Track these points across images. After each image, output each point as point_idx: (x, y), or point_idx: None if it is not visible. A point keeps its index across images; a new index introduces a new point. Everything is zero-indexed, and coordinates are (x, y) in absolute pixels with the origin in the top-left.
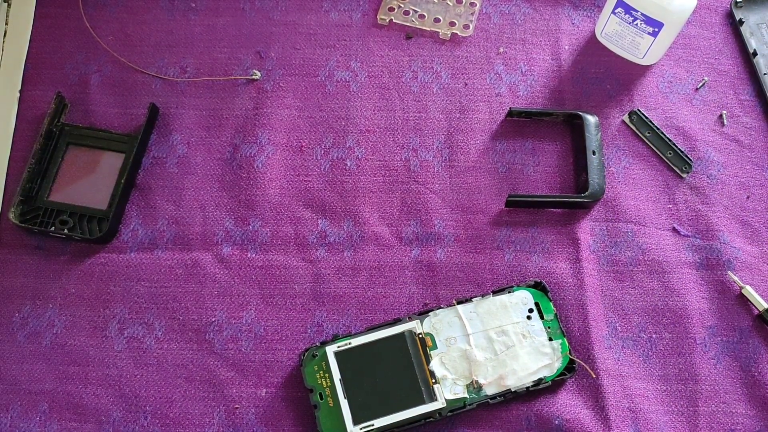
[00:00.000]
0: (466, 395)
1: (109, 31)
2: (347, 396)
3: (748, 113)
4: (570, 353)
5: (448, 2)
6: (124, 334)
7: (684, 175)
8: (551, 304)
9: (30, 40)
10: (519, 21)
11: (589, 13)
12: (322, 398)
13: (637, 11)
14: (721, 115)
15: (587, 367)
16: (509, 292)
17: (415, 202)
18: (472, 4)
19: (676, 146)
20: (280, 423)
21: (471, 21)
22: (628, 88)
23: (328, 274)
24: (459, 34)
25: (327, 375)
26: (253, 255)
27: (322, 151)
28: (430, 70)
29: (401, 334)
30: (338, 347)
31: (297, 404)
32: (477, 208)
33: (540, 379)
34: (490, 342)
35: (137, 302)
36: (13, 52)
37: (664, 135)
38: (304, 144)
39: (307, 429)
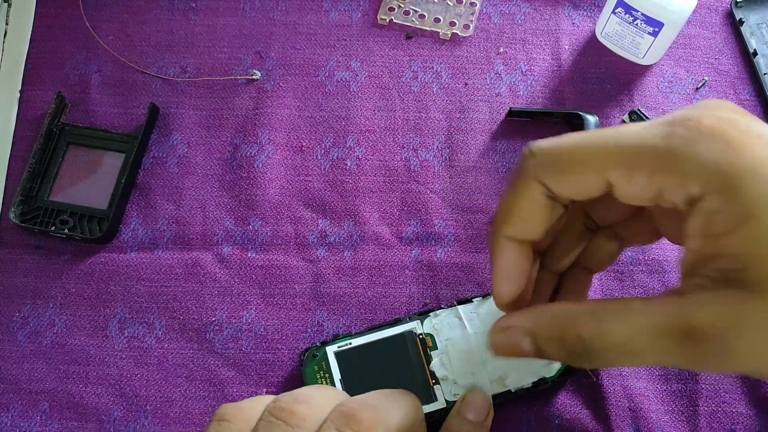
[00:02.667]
0: None
1: (109, 31)
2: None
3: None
4: None
5: (448, 2)
6: (125, 333)
7: None
8: None
9: (30, 40)
10: (519, 21)
11: (589, 13)
12: None
13: (637, 11)
14: None
15: (587, 370)
16: None
17: (416, 202)
18: (472, 4)
19: None
20: None
21: (471, 21)
22: (628, 87)
23: (329, 274)
24: (459, 34)
25: (327, 375)
26: (254, 255)
27: (322, 151)
28: (430, 70)
29: (401, 335)
30: (338, 347)
31: None
32: (477, 208)
33: (540, 380)
34: None
35: (137, 302)
36: (13, 52)
37: None
38: (304, 144)
39: None
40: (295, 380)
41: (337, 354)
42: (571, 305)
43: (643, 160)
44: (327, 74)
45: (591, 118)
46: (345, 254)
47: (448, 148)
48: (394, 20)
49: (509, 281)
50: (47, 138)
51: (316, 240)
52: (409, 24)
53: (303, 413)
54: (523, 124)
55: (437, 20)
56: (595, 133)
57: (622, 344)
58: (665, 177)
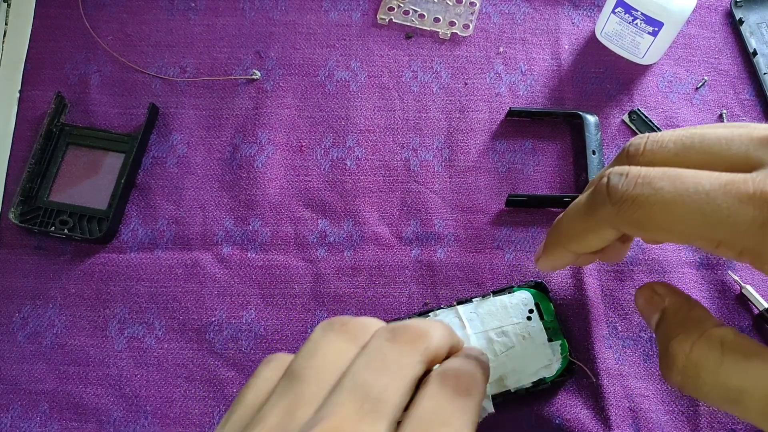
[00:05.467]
0: None
1: (109, 31)
2: None
3: (748, 113)
4: (570, 354)
5: (448, 2)
6: (125, 333)
7: None
8: (551, 304)
9: (30, 40)
10: (519, 21)
11: (589, 13)
12: None
13: (637, 11)
14: (721, 115)
15: (587, 370)
16: (509, 293)
17: (415, 202)
18: (472, 3)
19: None
20: None
21: (471, 21)
22: (628, 87)
23: (328, 274)
24: (459, 33)
25: None
26: (253, 255)
27: (322, 151)
28: (430, 69)
29: None
30: None
31: None
32: (477, 208)
33: (540, 380)
34: (490, 343)
35: (137, 302)
36: (13, 52)
37: None
38: (304, 144)
39: None
40: None
41: None
42: (716, 328)
43: (732, 244)
44: (327, 74)
45: (591, 118)
46: (345, 254)
47: (448, 148)
48: (393, 20)
49: (556, 267)
50: (47, 138)
51: (315, 240)
52: (408, 24)
53: (356, 324)
54: (523, 123)
55: (437, 20)
56: (680, 197)
57: (735, 391)
58: (752, 260)
